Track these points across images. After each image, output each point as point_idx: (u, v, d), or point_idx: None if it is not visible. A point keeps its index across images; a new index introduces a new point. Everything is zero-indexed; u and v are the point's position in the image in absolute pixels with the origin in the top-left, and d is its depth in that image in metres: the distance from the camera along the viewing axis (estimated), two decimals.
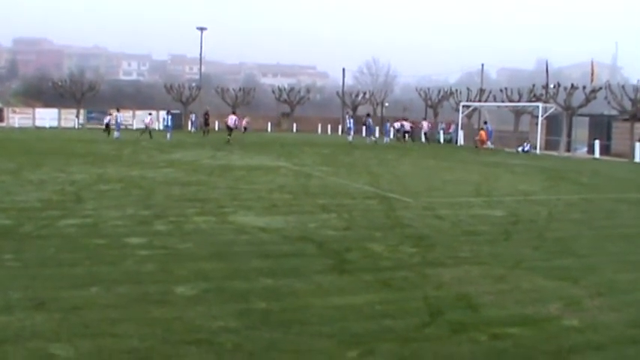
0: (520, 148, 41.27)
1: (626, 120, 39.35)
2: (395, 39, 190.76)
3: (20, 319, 5.89)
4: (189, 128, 57.16)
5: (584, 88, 40.66)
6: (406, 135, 49.10)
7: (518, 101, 46.74)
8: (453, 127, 50.75)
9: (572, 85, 41.17)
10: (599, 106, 43.80)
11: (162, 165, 22.15)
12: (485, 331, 6.00)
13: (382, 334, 5.86)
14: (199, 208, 12.64)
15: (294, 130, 65.12)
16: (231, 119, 41.30)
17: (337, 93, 71.48)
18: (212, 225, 10.96)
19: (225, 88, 68.58)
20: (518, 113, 47.91)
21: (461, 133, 48.36)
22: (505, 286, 7.64)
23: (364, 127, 48.09)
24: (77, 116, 61.36)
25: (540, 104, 41.99)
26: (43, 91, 74.46)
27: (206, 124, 49.68)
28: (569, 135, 41.79)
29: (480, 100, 50.62)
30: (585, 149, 41.22)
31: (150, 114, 46.43)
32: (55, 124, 59.45)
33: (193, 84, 70.96)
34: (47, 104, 65.01)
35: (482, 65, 65.61)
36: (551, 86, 43.10)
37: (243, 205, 13.32)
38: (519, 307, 6.81)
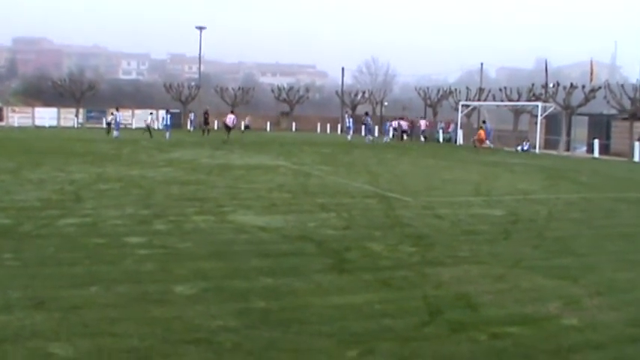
0: (519, 147, 41.30)
1: (625, 119, 39.38)
2: (394, 38, 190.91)
3: (20, 319, 5.89)
4: (189, 127, 57.17)
5: (583, 87, 40.68)
6: (404, 134, 49.15)
7: (518, 100, 46.74)
8: (452, 126, 50.75)
9: (572, 84, 41.18)
10: (598, 106, 43.83)
11: (161, 164, 22.14)
12: (485, 331, 6.00)
13: (382, 333, 5.86)
14: (199, 208, 12.64)
15: (294, 129, 65.11)
16: (230, 118, 41.39)
17: (336, 92, 71.48)
18: (211, 224, 10.96)
19: (224, 88, 68.60)
20: (517, 112, 47.91)
21: (460, 133, 48.36)
22: (504, 286, 7.64)
23: (363, 127, 48.09)
24: (77, 115, 61.40)
25: (540, 103, 42.00)
26: (43, 91, 74.40)
27: (206, 123, 49.71)
28: (568, 134, 41.81)
29: (479, 100, 50.62)
30: (584, 148, 41.24)
31: (151, 113, 46.40)
32: (54, 123, 59.46)
33: (192, 83, 70.98)
34: (47, 103, 64.98)
35: (482, 64, 65.75)
36: (551, 85, 43.11)
37: (243, 204, 13.32)
38: (519, 307, 6.82)
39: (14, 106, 64.96)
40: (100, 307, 6.29)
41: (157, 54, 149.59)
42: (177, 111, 59.98)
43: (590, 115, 43.05)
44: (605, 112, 42.67)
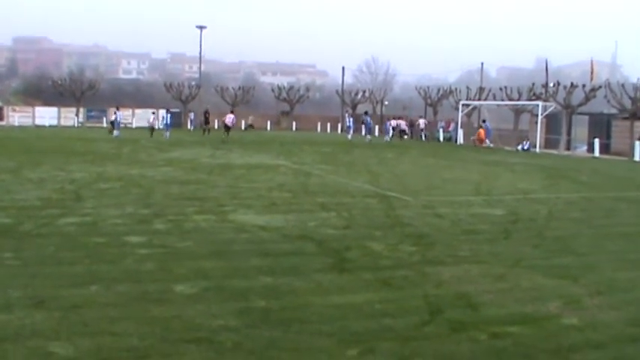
0: (520, 147, 41.31)
1: (625, 118, 39.35)
2: (394, 38, 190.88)
3: (20, 318, 5.89)
4: (189, 127, 57.16)
5: (583, 86, 40.64)
6: (402, 134, 49.15)
7: (518, 100, 46.72)
8: (452, 125, 50.74)
9: (572, 83, 41.15)
10: (598, 105, 43.81)
11: (161, 163, 22.14)
12: (485, 330, 6.00)
13: (382, 332, 5.86)
14: (199, 207, 12.64)
15: (294, 128, 65.09)
16: (229, 118, 41.46)
17: (337, 91, 71.43)
18: (212, 223, 10.96)
19: (224, 87, 68.55)
20: (517, 112, 47.88)
21: (460, 132, 48.35)
22: (505, 285, 7.64)
23: (363, 126, 48.10)
24: (77, 115, 61.38)
25: (540, 103, 41.97)
26: (43, 90, 74.38)
27: (206, 122, 49.74)
28: (568, 133, 41.80)
29: (479, 99, 50.60)
30: (585, 148, 41.22)
31: (153, 112, 46.39)
32: (54, 122, 59.44)
33: (193, 83, 70.93)
34: (47, 103, 64.96)
35: (482, 64, 65.69)
36: (551, 85, 43.08)
37: (243, 203, 13.32)
38: (519, 306, 6.82)
39: (14, 106, 64.96)
40: (100, 307, 6.29)
41: (158, 53, 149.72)
42: (178, 110, 59.96)
43: (591, 115, 43.04)
44: (605, 111, 42.65)
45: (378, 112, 63.22)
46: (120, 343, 5.39)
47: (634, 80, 41.79)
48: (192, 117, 57.82)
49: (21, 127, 53.22)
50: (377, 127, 56.25)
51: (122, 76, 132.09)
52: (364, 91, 67.41)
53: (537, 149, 40.33)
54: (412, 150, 36.15)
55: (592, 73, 42.73)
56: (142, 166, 21.08)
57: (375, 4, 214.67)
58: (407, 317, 6.29)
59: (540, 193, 17.23)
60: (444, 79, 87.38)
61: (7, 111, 60.43)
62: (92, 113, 62.29)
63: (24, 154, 24.46)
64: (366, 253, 9.04)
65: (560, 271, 8.37)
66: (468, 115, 50.87)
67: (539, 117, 41.20)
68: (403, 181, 18.92)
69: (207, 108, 53.56)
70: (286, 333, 5.76)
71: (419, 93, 59.20)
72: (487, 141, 42.86)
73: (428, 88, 58.52)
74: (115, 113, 44.46)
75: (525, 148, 40.85)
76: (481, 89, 52.11)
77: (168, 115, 43.14)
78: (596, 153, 36.88)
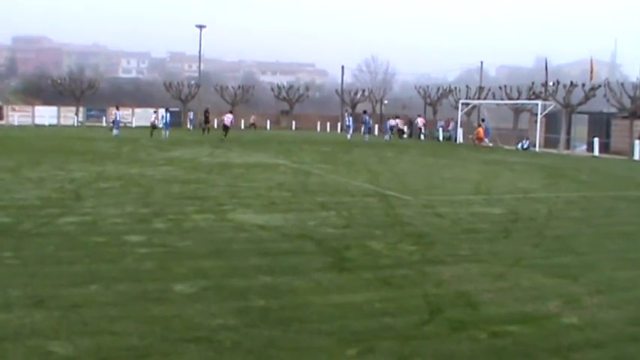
0: (519, 145, 41.32)
1: (625, 117, 39.36)
2: (394, 38, 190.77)
3: (19, 317, 5.89)
4: (188, 126, 57.17)
5: (583, 85, 40.65)
6: (401, 133, 49.14)
7: (518, 99, 46.73)
8: (452, 124, 50.75)
9: (572, 82, 41.15)
10: (598, 104, 43.82)
11: (161, 163, 22.14)
12: (485, 329, 6.00)
13: (382, 331, 5.86)
14: (198, 206, 12.63)
15: (293, 127, 65.11)
16: (228, 118, 41.53)
17: (336, 91, 71.44)
18: (211, 223, 10.95)
19: (224, 86, 68.61)
20: (517, 111, 47.90)
21: (460, 131, 48.35)
22: (504, 284, 7.64)
23: (363, 125, 48.15)
24: (76, 114, 61.40)
25: (539, 102, 41.98)
26: (43, 89, 74.39)
27: (206, 121, 49.75)
28: (568, 132, 41.80)
29: (479, 98, 50.61)
30: (584, 147, 41.23)
31: (155, 111, 46.36)
32: (54, 122, 59.47)
33: (192, 82, 70.90)
34: (46, 102, 64.99)
35: (482, 63, 65.80)
36: (551, 84, 43.09)
37: (242, 202, 13.32)
38: (519, 305, 6.81)
39: (14, 105, 64.95)
40: (99, 306, 6.29)
41: (157, 52, 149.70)
42: (177, 109, 59.97)
43: (590, 114, 43.05)
44: (605, 110, 42.67)
45: (378, 112, 63.24)
46: (119, 342, 5.39)
47: (633, 79, 41.94)
48: (192, 116, 57.81)
49: (20, 127, 53.22)
50: (377, 127, 56.32)
51: (122, 75, 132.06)
52: (364, 91, 67.43)
53: (537, 148, 40.34)
54: (412, 149, 36.15)
55: (591, 72, 42.73)
56: (141, 165, 21.08)
57: (375, 3, 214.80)
58: (407, 316, 6.29)
59: (540, 192, 17.23)
60: (443, 78, 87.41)
61: (7, 110, 60.43)
62: (92, 112, 62.32)
63: (23, 154, 24.45)
64: (366, 252, 9.04)
65: (560, 270, 8.37)
66: (468, 114, 50.88)
67: (539, 116, 41.21)
68: (403, 180, 18.92)
69: (207, 107, 53.58)
70: (285, 332, 5.76)
71: (418, 92, 59.23)
72: (486, 140, 42.87)
73: (427, 87, 58.56)
74: (114, 113, 44.46)
75: (525, 147, 40.86)
76: (480, 88, 52.13)
77: (168, 114, 43.15)
78: (596, 152, 36.88)
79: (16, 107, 63.08)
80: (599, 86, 40.37)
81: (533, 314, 6.54)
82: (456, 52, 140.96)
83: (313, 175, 19.56)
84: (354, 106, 65.15)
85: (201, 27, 64.50)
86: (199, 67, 69.79)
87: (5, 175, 17.03)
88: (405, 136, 50.79)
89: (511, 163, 27.33)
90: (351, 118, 50.27)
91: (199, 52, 66.38)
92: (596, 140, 37.63)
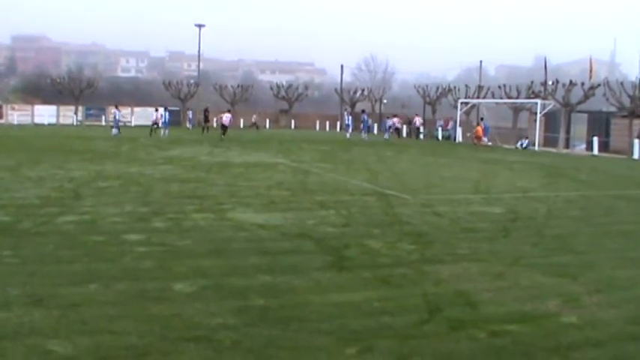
0: (519, 144, 41.33)
1: (624, 117, 39.36)
2: (393, 37, 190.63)
3: (19, 316, 5.89)
4: (188, 125, 57.14)
5: (582, 84, 40.64)
6: (397, 132, 49.15)
7: (517, 98, 46.71)
8: (451, 123, 50.74)
9: (571, 81, 41.14)
10: (597, 103, 43.79)
11: (160, 162, 22.13)
12: (484, 328, 6.00)
13: (381, 331, 5.86)
14: (198, 205, 12.63)
15: (293, 126, 65.09)
16: (227, 117, 41.55)
17: (335, 90, 71.41)
18: (210, 222, 10.95)
19: (223, 85, 68.57)
20: (516, 110, 47.88)
21: (459, 130, 48.35)
22: (504, 283, 7.64)
23: (361, 124, 48.18)
24: (76, 113, 61.32)
25: (539, 101, 41.98)
26: (42, 88, 74.31)
27: (206, 120, 49.74)
28: (567, 132, 41.80)
29: (478, 97, 50.59)
30: (584, 146, 41.25)
31: (157, 110, 46.33)
32: (53, 121, 59.40)
33: (192, 81, 70.86)
34: (46, 101, 64.88)
35: (481, 62, 65.70)
36: (550, 83, 43.09)
37: (242, 201, 13.32)
38: (518, 304, 6.81)
39: (13, 104, 64.82)
40: (98, 305, 6.29)
41: (156, 51, 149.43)
42: (177, 108, 59.93)
43: (590, 113, 43.04)
44: (604, 109, 42.66)
45: (377, 111, 63.22)
46: (119, 341, 5.39)
47: (633, 78, 41.86)
48: (191, 115, 57.77)
49: (20, 126, 53.17)
50: (376, 126, 56.31)
51: (121, 74, 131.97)
52: (363, 90, 67.41)
53: (536, 147, 40.34)
54: (411, 148, 36.15)
55: (591, 71, 42.71)
56: (140, 164, 21.08)
57: (374, 2, 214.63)
58: (406, 315, 6.29)
59: (539, 191, 17.23)
60: (442, 77, 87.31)
61: (6, 109, 60.32)
62: (91, 112, 62.24)
63: (23, 153, 24.44)
64: (365, 252, 9.04)
65: (560, 269, 8.38)
66: (467, 113, 50.86)
67: (538, 115, 41.20)
68: (402, 180, 18.92)
69: (207, 106, 53.55)
70: (285, 331, 5.76)
71: (417, 91, 59.21)
72: (485, 139, 42.87)
73: (426, 86, 58.53)
74: (113, 112, 44.44)
75: (524, 146, 40.87)
76: (480, 87, 52.11)
77: (167, 113, 43.14)
78: (595, 151, 36.89)
79: (16, 106, 62.95)
80: (599, 85, 40.35)
81: (533, 313, 6.54)
82: (455, 51, 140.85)
83: (312, 174, 19.55)
84: (353, 105, 65.16)
85: (200, 26, 64.48)
86: (198, 66, 69.73)
87: (5, 174, 17.03)
88: (403, 134, 50.75)
89: (510, 162, 27.34)
90: (350, 117, 50.30)
91: (198, 51, 66.39)
92: (595, 139, 37.64)
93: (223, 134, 39.11)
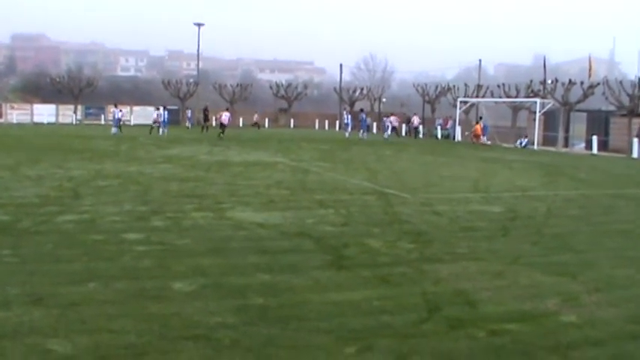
0: (518, 143, 41.36)
1: (623, 115, 39.39)
2: (392, 36, 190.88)
3: (18, 315, 5.88)
4: (187, 124, 57.15)
5: (581, 83, 40.66)
6: (394, 130, 49.22)
7: (516, 97, 46.74)
8: (450, 122, 50.77)
9: (570, 80, 41.17)
10: (596, 102, 43.81)
11: (159, 161, 22.13)
12: (483, 327, 6.00)
13: (380, 330, 5.86)
14: (197, 204, 12.62)
15: (292, 125, 65.10)
16: (225, 116, 41.59)
17: (334, 89, 71.43)
18: (210, 221, 10.94)
19: (222, 84, 68.59)
20: (515, 109, 47.92)
21: (458, 129, 48.36)
22: (503, 282, 7.64)
23: (360, 123, 48.23)
24: (75, 112, 61.33)
25: (538, 100, 42.00)
26: (41, 87, 74.32)
27: (205, 119, 49.75)
28: (566, 130, 41.83)
29: (477, 96, 50.60)
30: (583, 145, 41.29)
31: (157, 109, 46.32)
32: (52, 120, 59.43)
33: (191, 80, 70.85)
34: (45, 100, 64.91)
35: (480, 61, 65.68)
36: (549, 82, 43.12)
37: (241, 200, 13.32)
38: (517, 303, 6.81)
39: (13, 103, 64.87)
40: (98, 304, 6.29)
41: (155, 50, 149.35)
42: (176, 107, 59.92)
43: (589, 112, 43.07)
44: (603, 108, 42.68)
45: (376, 110, 63.22)
46: (118, 340, 5.38)
47: (632, 77, 41.86)
48: (190, 114, 57.76)
49: (19, 125, 53.16)
50: (375, 125, 56.32)
51: (120, 73, 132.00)
52: (362, 89, 67.42)
53: (535, 146, 40.36)
54: (410, 147, 36.16)
55: (590, 70, 42.74)
56: (140, 163, 21.07)
57: (373, 2, 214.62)
58: (405, 314, 6.29)
59: (538, 190, 17.24)
60: (441, 76, 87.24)
61: (6, 108, 60.34)
62: (90, 111, 62.27)
63: (22, 152, 24.43)
64: (364, 251, 9.04)
65: (559, 268, 8.37)
66: (466, 112, 50.88)
67: (537, 114, 41.22)
68: (401, 179, 18.92)
69: (206, 105, 53.55)
70: (284, 330, 5.76)
71: (417, 90, 59.23)
72: (484, 138, 42.89)
73: (426, 85, 58.55)
74: (112, 111, 44.43)
75: (523, 145, 40.89)
76: (479, 86, 52.14)
77: (166, 112, 43.17)
78: (594, 150, 36.92)
79: (15, 105, 62.98)
80: (598, 84, 40.38)
81: (532, 312, 6.54)
82: (454, 51, 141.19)
83: (312, 173, 19.55)
84: (352, 104, 65.17)
85: (199, 25, 64.42)
86: (198, 65, 69.67)
87: (4, 173, 17.02)
88: (402, 134, 50.77)
89: (509, 161, 27.35)
90: (349, 116, 50.34)
91: (198, 50, 66.33)
92: (594, 138, 37.67)
93: (222, 133, 39.14)
